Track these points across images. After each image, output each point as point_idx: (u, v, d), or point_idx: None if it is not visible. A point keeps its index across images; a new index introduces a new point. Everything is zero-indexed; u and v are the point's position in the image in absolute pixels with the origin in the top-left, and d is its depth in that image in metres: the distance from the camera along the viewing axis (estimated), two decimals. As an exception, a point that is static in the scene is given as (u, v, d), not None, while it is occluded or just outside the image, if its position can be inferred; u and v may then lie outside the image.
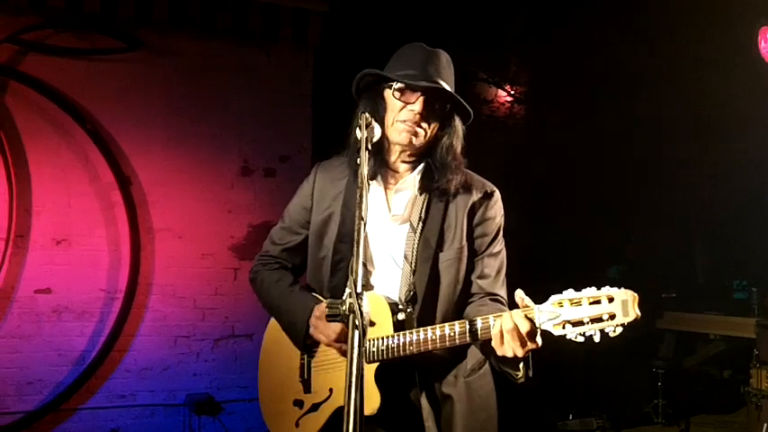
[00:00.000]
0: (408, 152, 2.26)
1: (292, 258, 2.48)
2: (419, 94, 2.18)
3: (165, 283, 5.22)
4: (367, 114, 2.01)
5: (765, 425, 4.79)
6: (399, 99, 2.19)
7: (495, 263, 2.29)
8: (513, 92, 7.17)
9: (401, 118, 2.18)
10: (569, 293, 1.86)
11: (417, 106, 2.17)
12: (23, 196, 4.89)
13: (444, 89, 2.20)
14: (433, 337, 2.06)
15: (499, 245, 2.32)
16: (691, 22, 5.74)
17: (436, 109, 2.21)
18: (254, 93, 5.51)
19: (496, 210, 2.32)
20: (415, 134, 2.20)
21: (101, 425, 5.01)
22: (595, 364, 6.23)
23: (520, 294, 1.96)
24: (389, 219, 2.28)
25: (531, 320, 1.91)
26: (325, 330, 2.21)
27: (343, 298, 1.69)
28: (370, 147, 1.99)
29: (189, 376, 5.26)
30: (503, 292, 2.28)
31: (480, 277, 2.27)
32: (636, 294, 1.81)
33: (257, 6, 5.42)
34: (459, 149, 2.26)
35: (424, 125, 2.20)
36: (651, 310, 6.55)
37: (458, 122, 2.27)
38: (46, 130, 4.99)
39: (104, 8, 5.03)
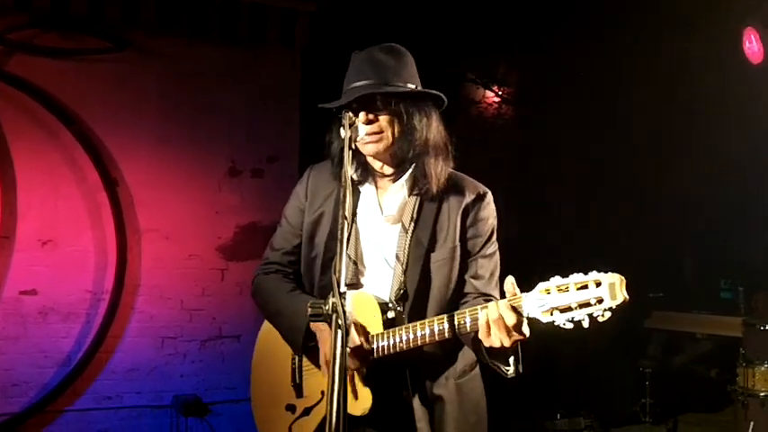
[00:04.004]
0: (386, 161, 2.27)
1: (293, 263, 2.45)
2: (356, 106, 2.17)
3: (151, 284, 5.20)
4: (350, 114, 2.01)
5: (752, 423, 4.82)
6: (350, 119, 2.15)
7: (489, 264, 2.30)
8: (500, 92, 7.18)
9: (359, 135, 2.15)
10: (556, 280, 1.85)
11: (362, 118, 2.17)
12: (9, 197, 4.85)
13: (372, 92, 2.15)
14: (423, 334, 2.06)
15: (493, 246, 2.32)
16: (680, 21, 5.75)
17: (383, 109, 2.18)
18: (242, 93, 5.49)
19: (489, 211, 2.32)
20: (378, 141, 2.20)
21: (87, 427, 4.98)
22: (583, 364, 6.25)
23: (510, 280, 1.95)
24: (382, 219, 2.29)
25: (516, 310, 1.90)
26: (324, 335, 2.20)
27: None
28: (354, 146, 1.99)
29: (176, 377, 5.24)
30: (496, 293, 2.28)
31: (474, 278, 2.28)
32: (623, 277, 1.79)
33: (244, 6, 5.39)
34: (427, 135, 2.22)
35: (377, 127, 2.19)
36: (639, 309, 6.58)
37: (417, 111, 2.22)
38: (32, 131, 4.95)
39: (91, 9, 4.99)
